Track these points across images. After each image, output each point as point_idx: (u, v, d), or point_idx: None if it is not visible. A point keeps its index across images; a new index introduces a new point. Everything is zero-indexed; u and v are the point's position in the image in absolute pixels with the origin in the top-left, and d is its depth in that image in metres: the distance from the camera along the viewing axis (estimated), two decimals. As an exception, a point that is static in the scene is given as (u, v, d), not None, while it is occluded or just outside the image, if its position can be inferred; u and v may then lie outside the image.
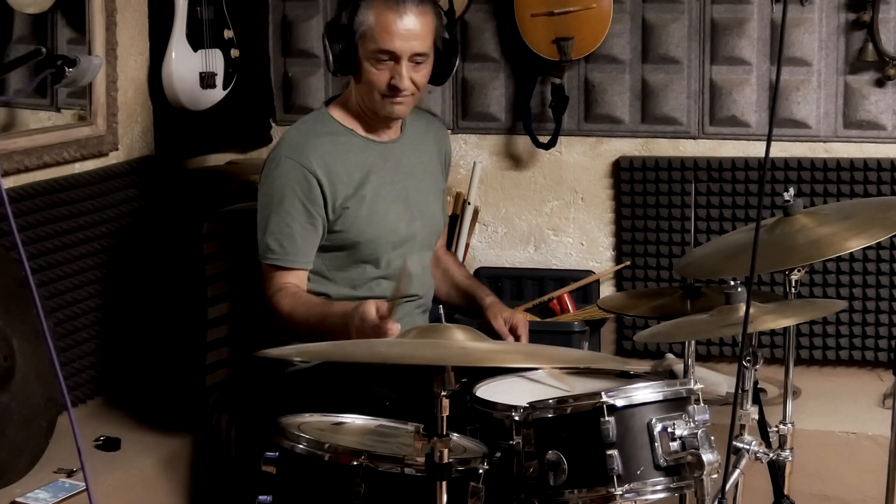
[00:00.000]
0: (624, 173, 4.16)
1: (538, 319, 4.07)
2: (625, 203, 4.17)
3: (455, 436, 2.55)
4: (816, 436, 3.58)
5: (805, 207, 3.06)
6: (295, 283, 3.24)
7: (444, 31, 3.29)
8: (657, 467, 2.59)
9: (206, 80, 3.90)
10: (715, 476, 2.60)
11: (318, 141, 3.28)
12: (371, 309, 2.95)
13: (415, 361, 2.34)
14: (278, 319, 3.22)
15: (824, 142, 4.05)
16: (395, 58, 3.19)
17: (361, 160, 3.30)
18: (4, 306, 3.13)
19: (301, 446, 2.59)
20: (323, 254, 3.29)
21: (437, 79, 3.32)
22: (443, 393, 2.34)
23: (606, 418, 2.58)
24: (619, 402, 2.59)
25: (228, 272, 3.56)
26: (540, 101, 4.19)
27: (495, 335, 3.31)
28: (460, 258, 4.14)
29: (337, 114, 3.34)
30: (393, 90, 3.21)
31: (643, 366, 3.93)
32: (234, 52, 3.99)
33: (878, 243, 3.78)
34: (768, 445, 2.98)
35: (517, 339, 3.30)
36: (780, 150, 4.03)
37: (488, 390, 2.91)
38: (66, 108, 3.69)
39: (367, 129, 3.34)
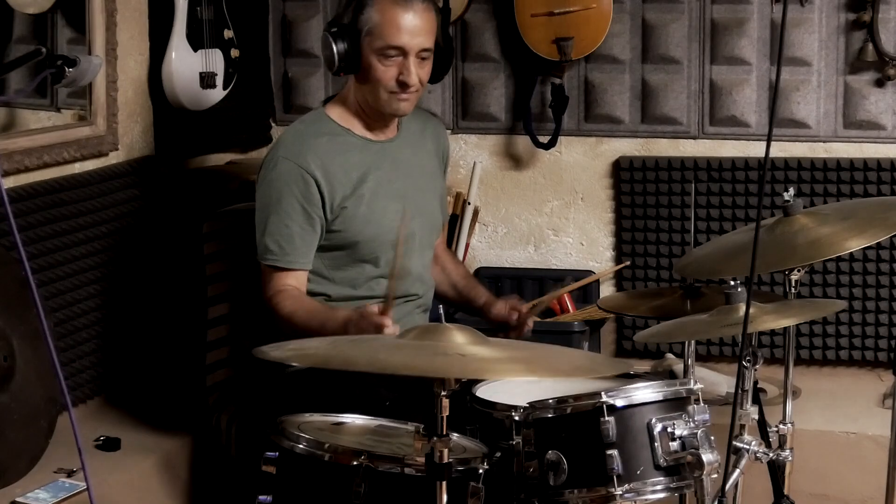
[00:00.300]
0: (624, 173, 4.16)
1: (538, 319, 4.06)
2: (625, 203, 4.17)
3: (455, 436, 2.55)
4: (816, 436, 3.58)
5: (805, 207, 3.06)
6: (294, 284, 3.24)
7: (441, 30, 3.31)
8: (657, 467, 2.59)
9: (206, 80, 3.90)
10: (715, 476, 2.60)
11: (316, 141, 3.28)
12: (372, 307, 2.96)
13: (414, 372, 2.33)
14: (278, 321, 3.22)
15: (824, 142, 4.05)
16: (403, 53, 3.20)
17: (359, 160, 3.31)
18: (4, 306, 3.13)
19: (301, 446, 2.59)
20: (322, 253, 3.29)
21: (434, 77, 3.33)
22: (443, 393, 2.34)
23: (606, 418, 2.58)
24: (619, 402, 2.59)
25: (228, 272, 3.56)
26: (540, 101, 4.19)
27: (497, 327, 3.33)
28: (460, 258, 4.14)
29: (334, 113, 3.35)
30: (401, 86, 3.22)
31: (643, 366, 3.93)
32: (234, 52, 3.99)
33: (878, 243, 3.78)
34: (768, 445, 2.98)
35: (520, 317, 3.32)
36: (780, 150, 4.03)
37: (488, 390, 2.90)
38: (66, 108, 3.69)
39: (365, 128, 3.35)
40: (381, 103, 3.26)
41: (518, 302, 3.39)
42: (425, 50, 3.22)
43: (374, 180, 3.30)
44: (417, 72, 3.22)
